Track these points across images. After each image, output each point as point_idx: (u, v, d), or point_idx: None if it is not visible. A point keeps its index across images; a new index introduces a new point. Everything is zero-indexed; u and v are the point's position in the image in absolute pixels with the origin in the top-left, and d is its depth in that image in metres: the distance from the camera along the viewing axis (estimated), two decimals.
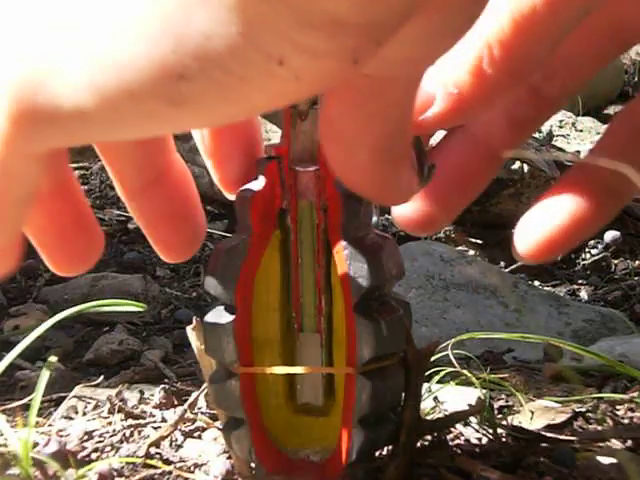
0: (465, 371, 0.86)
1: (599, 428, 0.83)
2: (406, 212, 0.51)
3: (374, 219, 0.69)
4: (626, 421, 0.85)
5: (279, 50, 0.27)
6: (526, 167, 1.58)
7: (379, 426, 0.69)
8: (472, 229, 1.57)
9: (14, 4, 0.31)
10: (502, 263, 1.51)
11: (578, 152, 1.63)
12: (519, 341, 1.08)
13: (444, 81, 0.40)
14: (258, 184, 0.69)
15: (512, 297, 1.31)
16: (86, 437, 0.82)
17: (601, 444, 0.78)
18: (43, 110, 0.31)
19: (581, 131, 1.72)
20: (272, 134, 1.72)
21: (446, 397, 0.84)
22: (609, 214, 0.47)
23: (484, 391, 0.83)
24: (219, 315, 0.70)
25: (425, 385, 0.79)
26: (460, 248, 1.52)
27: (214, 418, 0.82)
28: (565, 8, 0.37)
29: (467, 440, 0.78)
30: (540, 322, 1.26)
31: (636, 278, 1.51)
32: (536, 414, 0.84)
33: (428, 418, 0.78)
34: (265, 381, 0.71)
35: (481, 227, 1.58)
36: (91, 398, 0.92)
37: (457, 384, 0.86)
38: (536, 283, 1.50)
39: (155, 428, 0.83)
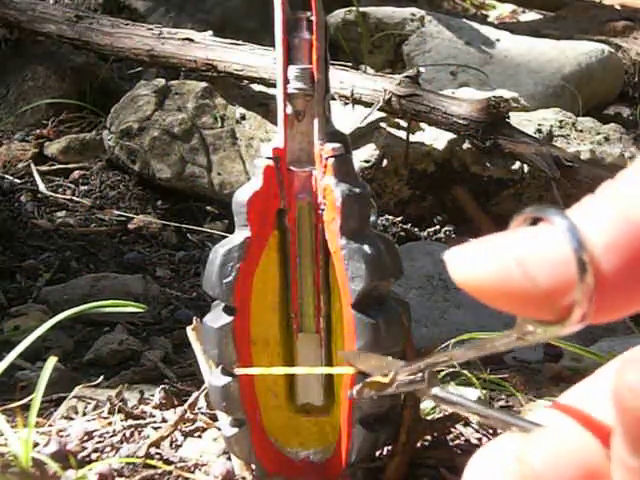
0: (465, 371, 0.86)
1: None
2: None
3: (372, 219, 0.69)
4: None
5: None
6: (526, 167, 1.58)
7: (379, 426, 0.69)
8: (472, 229, 1.57)
9: None
10: None
11: (578, 152, 1.63)
12: None
13: None
14: (256, 184, 0.70)
15: None
16: (86, 437, 0.82)
17: None
18: None
19: (581, 131, 1.72)
20: (272, 134, 1.72)
21: None
22: None
23: (484, 391, 0.83)
24: (218, 316, 0.70)
25: None
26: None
27: (214, 418, 0.82)
28: None
29: (467, 440, 0.78)
30: None
31: None
32: None
33: (428, 418, 0.78)
34: (265, 382, 0.71)
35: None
36: (91, 398, 0.92)
37: (457, 384, 0.86)
38: None
39: (155, 428, 0.83)
